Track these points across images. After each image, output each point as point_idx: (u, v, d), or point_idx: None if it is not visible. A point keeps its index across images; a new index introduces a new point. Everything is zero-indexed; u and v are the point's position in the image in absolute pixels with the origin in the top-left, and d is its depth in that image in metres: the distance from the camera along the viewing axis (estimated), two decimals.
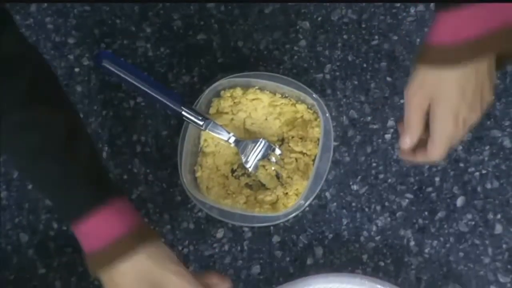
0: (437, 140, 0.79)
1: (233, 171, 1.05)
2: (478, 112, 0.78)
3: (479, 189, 1.02)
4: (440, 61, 0.75)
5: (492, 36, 0.73)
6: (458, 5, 0.72)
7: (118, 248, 0.77)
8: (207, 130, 1.01)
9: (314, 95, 1.03)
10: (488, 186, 1.02)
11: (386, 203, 1.03)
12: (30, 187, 1.07)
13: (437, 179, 1.03)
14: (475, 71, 0.75)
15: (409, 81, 0.79)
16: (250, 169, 1.03)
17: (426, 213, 1.02)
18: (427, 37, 0.75)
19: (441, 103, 0.77)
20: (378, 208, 1.02)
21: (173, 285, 0.78)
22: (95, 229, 0.77)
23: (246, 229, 1.04)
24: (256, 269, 1.03)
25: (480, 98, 0.78)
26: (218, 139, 1.03)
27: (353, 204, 1.03)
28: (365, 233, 1.02)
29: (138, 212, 0.81)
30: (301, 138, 1.04)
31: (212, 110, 1.04)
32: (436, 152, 0.80)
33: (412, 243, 1.01)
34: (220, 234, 1.04)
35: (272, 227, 1.03)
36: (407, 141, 0.81)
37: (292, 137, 1.04)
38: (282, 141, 1.05)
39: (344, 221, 1.03)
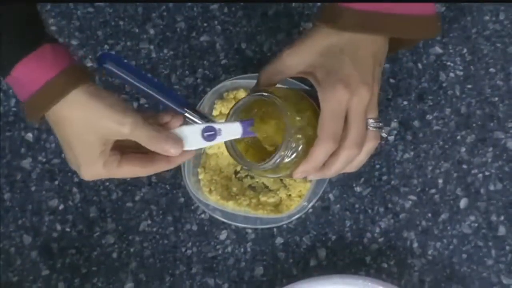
0: (326, 111, 0.75)
1: (236, 172, 1.05)
2: (369, 87, 0.76)
3: (482, 191, 1.02)
4: (339, 23, 0.75)
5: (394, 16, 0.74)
6: None
7: (52, 90, 0.74)
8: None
9: None
10: (492, 188, 1.02)
11: (389, 205, 1.02)
12: (33, 188, 1.07)
13: (440, 181, 1.03)
14: (370, 45, 0.76)
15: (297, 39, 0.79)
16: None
17: (429, 215, 1.02)
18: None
19: (329, 70, 0.76)
20: (381, 210, 1.02)
21: (115, 125, 0.75)
22: (27, 75, 0.74)
23: (249, 230, 1.04)
24: (259, 270, 1.03)
25: (372, 74, 0.76)
26: None
27: (356, 205, 1.03)
28: (368, 234, 1.02)
29: (74, 56, 0.78)
30: None
31: (215, 112, 1.04)
32: (325, 129, 0.76)
33: (415, 244, 1.01)
34: (223, 235, 1.04)
35: (275, 229, 1.03)
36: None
37: None
38: None
39: (347, 223, 1.03)
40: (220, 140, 0.80)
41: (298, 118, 0.78)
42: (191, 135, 0.80)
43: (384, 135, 0.82)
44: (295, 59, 0.78)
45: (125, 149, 0.79)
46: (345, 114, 0.76)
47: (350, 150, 0.77)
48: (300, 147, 0.78)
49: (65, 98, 0.74)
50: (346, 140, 0.77)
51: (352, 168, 0.80)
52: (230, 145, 0.82)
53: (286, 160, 0.79)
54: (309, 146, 0.78)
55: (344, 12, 0.75)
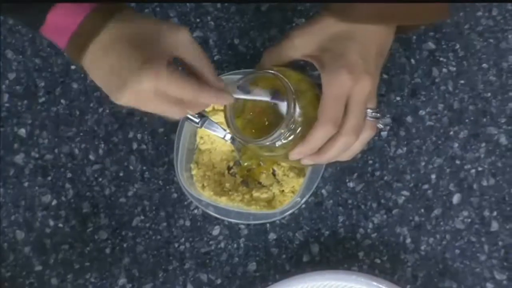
0: (328, 95, 0.76)
1: (229, 168, 1.05)
2: (372, 76, 0.77)
3: (475, 186, 1.02)
4: (348, 16, 0.75)
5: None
6: None
7: (94, 20, 0.73)
8: (203, 128, 1.01)
9: None
10: (484, 183, 1.02)
11: (382, 200, 1.03)
12: (26, 184, 1.07)
13: (433, 176, 1.03)
14: (378, 35, 0.76)
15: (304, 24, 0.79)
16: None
17: (422, 210, 1.02)
18: None
19: (336, 55, 0.76)
20: (374, 205, 1.03)
21: (174, 28, 0.74)
22: (63, 18, 0.73)
23: (242, 226, 1.04)
24: (252, 266, 1.03)
25: (376, 64, 0.77)
26: (214, 136, 1.03)
27: (349, 201, 1.03)
28: (361, 230, 1.02)
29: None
30: None
31: (208, 108, 1.04)
32: (325, 113, 0.76)
33: (408, 240, 1.01)
34: (216, 231, 1.04)
35: (268, 225, 1.03)
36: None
37: None
38: None
39: (340, 219, 1.03)
40: (253, 96, 0.80)
41: (300, 99, 0.78)
42: (229, 84, 0.80)
43: (380, 126, 0.82)
44: (304, 40, 0.79)
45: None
46: (346, 101, 0.76)
47: (348, 137, 0.77)
48: (299, 128, 0.79)
49: (110, 25, 0.73)
50: (345, 127, 0.77)
51: (346, 156, 0.81)
52: (230, 119, 0.82)
53: (283, 140, 0.79)
54: (307, 128, 0.78)
55: (354, 4, 0.75)
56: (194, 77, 0.76)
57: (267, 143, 0.79)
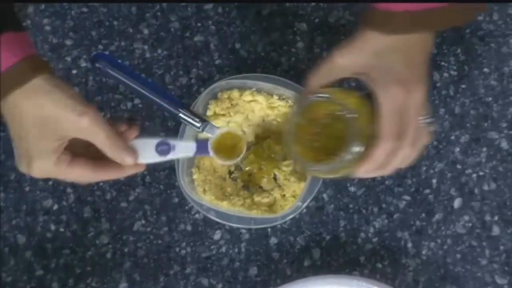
0: (385, 111, 0.76)
1: (230, 173, 1.05)
2: (423, 84, 0.76)
3: (476, 191, 1.02)
4: (390, 27, 0.74)
5: (441, 11, 0.74)
6: None
7: (14, 75, 0.73)
8: (204, 132, 1.01)
9: None
10: (485, 188, 1.02)
11: (384, 205, 1.03)
12: (27, 189, 1.07)
13: (434, 180, 1.03)
14: (420, 42, 0.75)
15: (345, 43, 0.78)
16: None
17: (423, 215, 1.02)
18: (377, 5, 0.75)
19: (384, 70, 0.76)
20: (375, 209, 1.03)
21: (75, 116, 0.74)
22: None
23: (243, 231, 1.04)
24: (253, 270, 1.03)
25: (421, 71, 0.77)
26: None
27: (351, 205, 1.03)
28: (362, 234, 1.02)
29: (33, 47, 0.77)
30: None
31: (209, 112, 1.04)
32: (386, 129, 0.76)
33: (409, 244, 1.01)
34: (217, 236, 1.04)
35: (269, 229, 1.03)
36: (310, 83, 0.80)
37: None
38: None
39: (342, 223, 1.03)
40: (173, 156, 0.80)
41: (359, 119, 0.79)
42: (145, 148, 0.79)
43: (433, 129, 0.82)
44: (347, 60, 0.78)
45: (77, 152, 0.78)
46: (402, 113, 0.77)
47: (409, 149, 0.78)
48: (360, 147, 0.79)
49: (27, 85, 0.73)
50: (405, 140, 0.77)
51: (404, 164, 0.81)
52: (289, 147, 0.82)
53: (345, 161, 0.79)
54: (366, 145, 0.78)
55: (394, 15, 0.74)
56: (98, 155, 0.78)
57: (329, 169, 0.79)
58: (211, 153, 0.81)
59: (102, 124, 0.75)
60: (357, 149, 0.78)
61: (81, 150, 0.78)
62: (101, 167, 0.79)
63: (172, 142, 0.80)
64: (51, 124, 0.74)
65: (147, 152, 0.79)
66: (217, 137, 0.82)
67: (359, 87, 0.80)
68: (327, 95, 0.80)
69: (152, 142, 0.79)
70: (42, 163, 0.76)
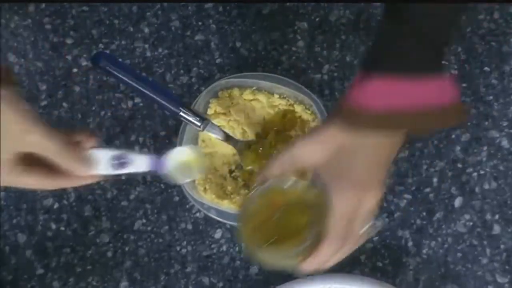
0: (337, 214, 0.75)
1: (231, 171, 1.05)
2: (379, 190, 0.76)
3: (477, 189, 1.02)
4: (355, 126, 0.72)
5: (414, 113, 0.71)
6: (390, 71, 0.70)
7: None
8: (205, 131, 1.01)
9: (312, 96, 1.03)
10: (486, 186, 1.02)
11: (384, 204, 1.03)
12: None
13: (435, 179, 1.03)
14: (387, 144, 0.74)
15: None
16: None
17: (424, 213, 1.02)
18: (353, 96, 0.72)
19: (342, 170, 0.75)
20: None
21: (24, 131, 0.73)
22: None
23: None
24: (254, 269, 1.03)
25: (382, 178, 0.76)
26: (216, 140, 1.03)
27: None
28: None
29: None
30: None
31: (210, 111, 1.04)
32: (335, 231, 0.76)
33: (410, 243, 1.01)
34: (218, 234, 1.04)
35: None
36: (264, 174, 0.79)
37: (290, 137, 1.04)
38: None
39: None
40: (128, 170, 0.79)
41: (315, 211, 0.78)
42: (101, 160, 0.79)
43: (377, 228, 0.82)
44: (308, 152, 0.77)
45: (33, 161, 0.77)
46: (352, 216, 0.76)
47: (351, 247, 0.79)
48: (311, 241, 0.79)
49: None
50: (350, 240, 0.77)
51: (338, 260, 0.81)
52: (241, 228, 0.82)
53: (297, 251, 0.79)
54: (317, 239, 0.78)
55: (360, 113, 0.72)
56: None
57: (288, 254, 0.80)
58: (167, 170, 0.80)
59: (53, 137, 0.75)
60: (309, 242, 0.79)
61: (37, 158, 0.77)
62: (56, 174, 0.77)
63: (128, 156, 0.79)
64: (3, 137, 0.73)
65: (102, 164, 0.78)
66: (174, 155, 0.81)
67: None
68: (285, 182, 0.80)
69: (108, 154, 0.79)
70: None
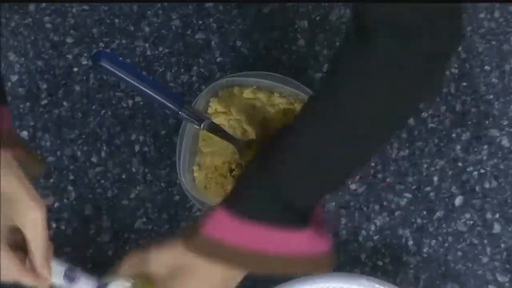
0: None
1: (231, 170, 1.05)
2: None
3: (477, 188, 1.02)
4: (193, 245, 0.74)
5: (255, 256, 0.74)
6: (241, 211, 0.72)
7: None
8: (205, 130, 1.01)
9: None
10: (487, 185, 1.02)
11: (385, 203, 1.03)
12: None
13: (435, 178, 1.03)
14: (223, 275, 0.75)
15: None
16: None
17: (424, 212, 1.02)
18: (204, 224, 0.74)
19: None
20: (377, 207, 1.02)
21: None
22: None
23: None
24: None
25: None
26: (217, 139, 1.03)
27: (352, 203, 1.03)
28: (363, 232, 1.02)
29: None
30: None
31: (210, 110, 1.04)
32: None
33: (410, 242, 1.01)
34: None
35: None
36: None
37: None
38: None
39: (343, 221, 1.03)
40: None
41: None
42: (56, 270, 0.79)
43: None
44: (158, 260, 0.78)
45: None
46: None
47: None
48: None
49: None
50: None
51: None
52: None
53: None
54: None
55: (198, 235, 0.74)
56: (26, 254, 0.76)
57: None
58: None
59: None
60: None
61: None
62: (26, 269, 0.76)
63: (77, 274, 0.80)
64: None
65: (56, 275, 0.79)
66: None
67: None
68: (127, 283, 0.80)
69: (63, 266, 0.80)
70: None
